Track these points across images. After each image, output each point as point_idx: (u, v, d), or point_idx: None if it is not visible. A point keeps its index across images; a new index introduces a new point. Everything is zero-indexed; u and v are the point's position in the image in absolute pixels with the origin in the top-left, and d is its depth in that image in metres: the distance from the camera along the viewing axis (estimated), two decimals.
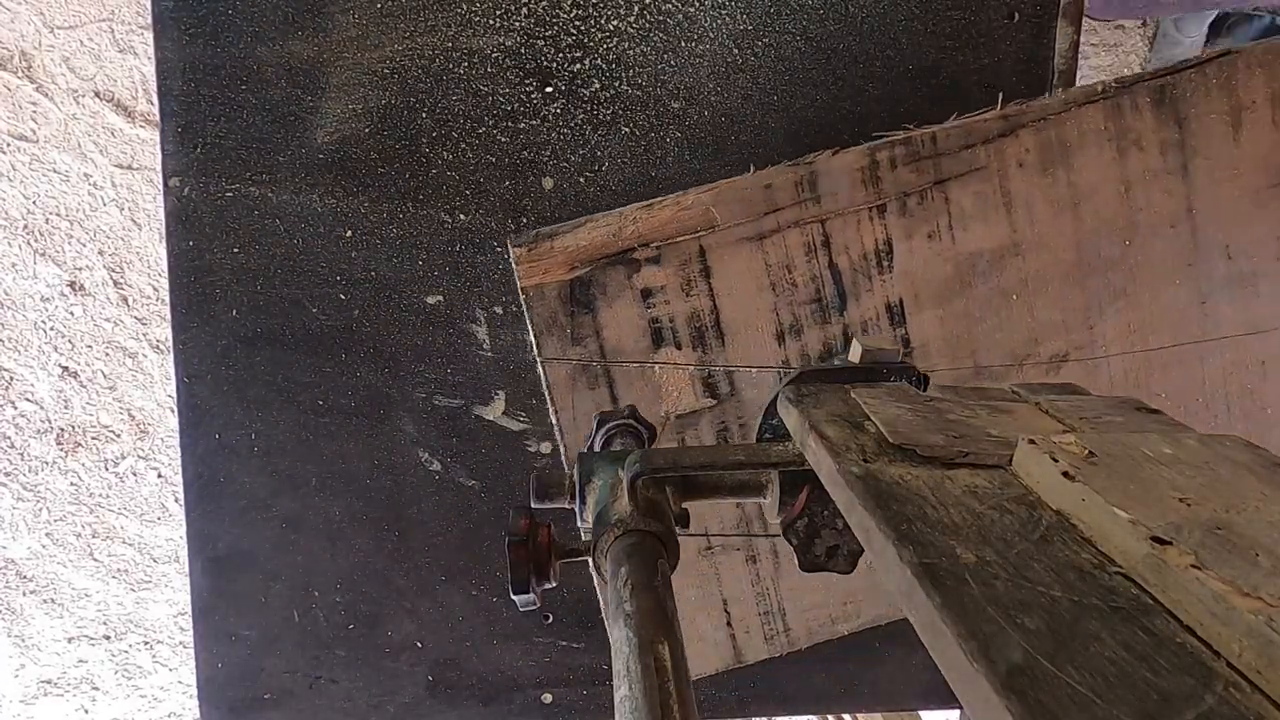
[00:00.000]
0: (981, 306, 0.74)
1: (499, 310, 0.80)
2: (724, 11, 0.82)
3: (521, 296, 0.71)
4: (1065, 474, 0.28)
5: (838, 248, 0.72)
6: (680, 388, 0.73)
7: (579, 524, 0.48)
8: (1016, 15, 0.85)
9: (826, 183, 0.71)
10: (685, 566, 0.75)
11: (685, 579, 0.76)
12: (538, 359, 0.72)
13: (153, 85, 0.80)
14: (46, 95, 1.43)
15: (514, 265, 0.71)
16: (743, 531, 0.76)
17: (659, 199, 0.71)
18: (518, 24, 0.81)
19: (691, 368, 0.73)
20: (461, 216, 0.80)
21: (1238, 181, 0.74)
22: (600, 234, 0.71)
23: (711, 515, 0.75)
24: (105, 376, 1.58)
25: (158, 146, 0.80)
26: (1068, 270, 0.74)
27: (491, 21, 0.81)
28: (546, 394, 0.72)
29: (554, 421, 0.73)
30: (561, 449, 0.74)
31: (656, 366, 0.73)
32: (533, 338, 0.72)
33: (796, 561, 0.47)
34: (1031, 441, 0.31)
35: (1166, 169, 0.73)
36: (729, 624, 0.79)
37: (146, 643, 1.84)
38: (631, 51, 0.82)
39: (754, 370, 0.73)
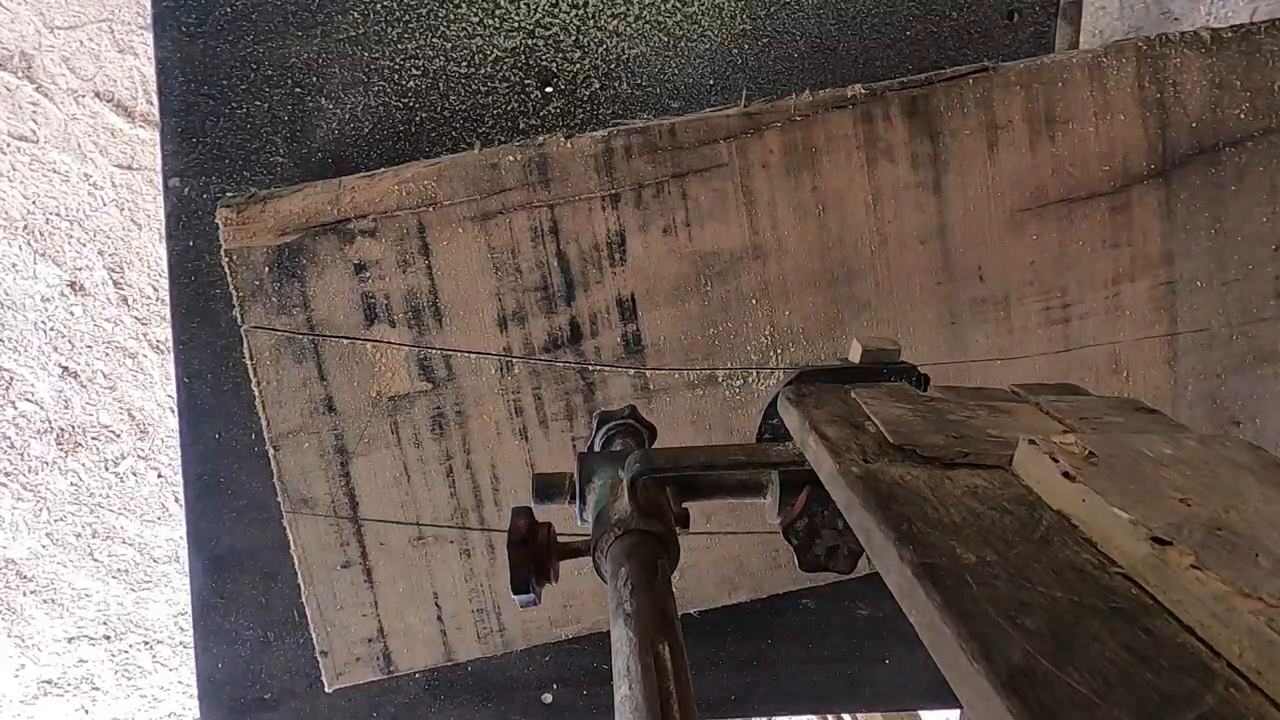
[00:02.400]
0: (718, 309, 0.72)
1: None
2: (724, 11, 0.82)
3: (224, 260, 0.67)
4: (1065, 474, 0.28)
5: (566, 235, 0.70)
6: (394, 368, 0.70)
7: (579, 524, 0.48)
8: (1016, 15, 0.85)
9: (557, 167, 0.69)
10: (393, 555, 0.73)
11: (393, 569, 0.73)
12: (240, 327, 0.68)
13: (153, 85, 0.80)
14: (46, 95, 1.43)
15: (219, 226, 0.67)
16: (457, 524, 0.73)
17: (380, 170, 0.69)
18: (518, 24, 0.81)
19: (406, 348, 0.70)
20: None
21: (992, 202, 0.72)
22: (315, 201, 0.68)
23: (424, 502, 0.72)
24: (105, 376, 1.58)
25: (158, 146, 0.80)
26: (811, 278, 0.72)
27: (491, 21, 0.81)
28: (249, 365, 0.69)
29: (256, 394, 0.69)
30: (264, 422, 0.70)
31: (369, 344, 0.70)
32: (236, 304, 0.68)
33: (796, 562, 0.47)
34: (1032, 442, 0.31)
35: (918, 182, 0.71)
36: (439, 619, 0.75)
37: (146, 643, 1.84)
38: (631, 52, 0.82)
39: (472, 355, 0.70)
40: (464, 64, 0.81)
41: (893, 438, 0.35)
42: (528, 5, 0.80)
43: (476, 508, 0.74)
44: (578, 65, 0.81)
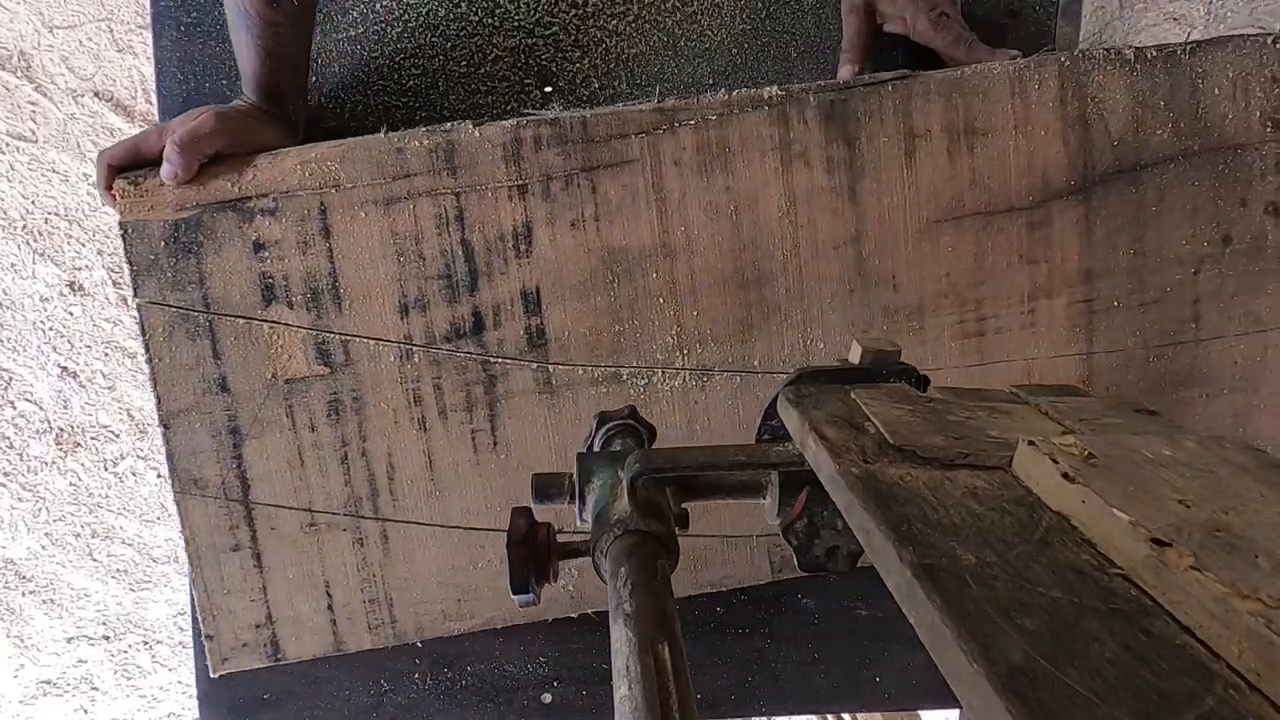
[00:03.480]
0: (625, 306, 0.70)
1: None
2: (724, 11, 0.82)
3: (120, 232, 0.66)
4: (1065, 475, 0.28)
5: (472, 224, 0.69)
6: (290, 351, 0.69)
7: (579, 524, 0.48)
8: (1016, 15, 0.85)
9: (464, 155, 0.68)
10: (284, 541, 0.72)
11: (284, 555, 0.72)
12: (134, 301, 0.68)
13: (152, 84, 0.80)
14: (45, 95, 1.43)
15: (115, 198, 0.67)
16: (351, 512, 0.72)
17: (284, 149, 0.68)
18: (518, 23, 0.81)
19: (303, 330, 0.68)
20: None
21: (908, 211, 0.71)
22: (216, 177, 0.67)
23: (318, 489, 0.71)
24: (105, 376, 1.58)
25: None
26: (721, 279, 0.71)
27: (491, 20, 0.81)
28: (142, 340, 0.68)
29: (149, 371, 0.68)
30: (155, 400, 0.69)
31: (265, 325, 0.69)
32: (130, 278, 0.67)
33: (796, 562, 0.47)
34: (1031, 443, 0.31)
35: (833, 188, 0.70)
36: (330, 608, 0.74)
37: (146, 643, 1.84)
38: (631, 51, 0.82)
39: (372, 341, 0.69)
40: (464, 63, 0.81)
41: (892, 439, 0.35)
42: (528, 5, 0.80)
43: (371, 496, 0.73)
44: (577, 65, 0.81)
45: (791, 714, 0.89)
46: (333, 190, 0.68)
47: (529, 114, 0.69)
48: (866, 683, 0.87)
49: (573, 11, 0.81)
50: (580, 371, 0.71)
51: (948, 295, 0.72)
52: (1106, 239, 0.72)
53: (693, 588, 0.77)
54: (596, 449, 0.57)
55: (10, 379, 1.66)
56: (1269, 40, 0.71)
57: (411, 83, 0.81)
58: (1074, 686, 0.20)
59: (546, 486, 0.49)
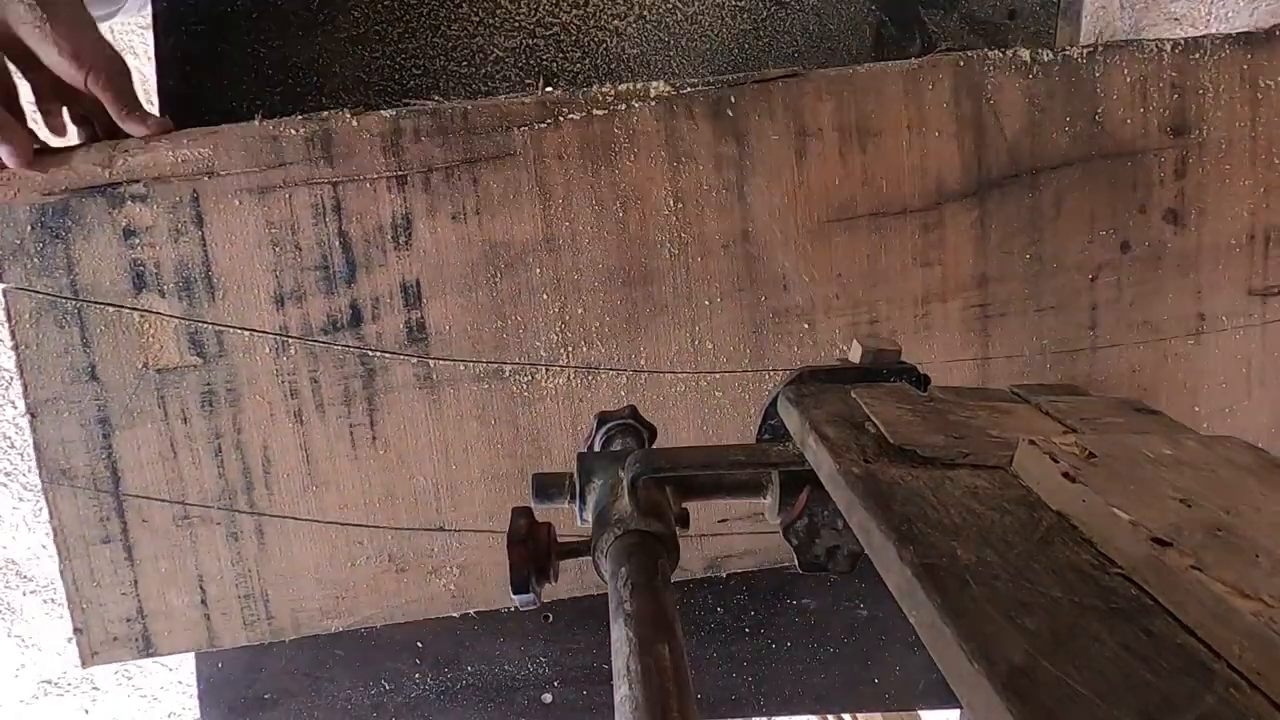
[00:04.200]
0: (508, 301, 0.69)
1: None
2: (724, 11, 0.82)
3: None
4: (1065, 475, 0.28)
5: (349, 215, 0.67)
6: (162, 340, 0.68)
7: (579, 524, 0.48)
8: (1016, 15, 0.85)
9: (342, 144, 0.67)
10: (156, 534, 0.71)
11: (156, 547, 0.71)
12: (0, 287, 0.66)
13: (152, 84, 0.80)
14: None
15: None
16: (225, 505, 0.70)
17: (159, 135, 0.67)
18: (518, 23, 0.81)
19: (176, 320, 0.67)
20: None
21: (799, 210, 0.70)
22: (87, 161, 0.66)
23: (191, 481, 0.70)
24: None
25: None
26: (607, 276, 0.70)
27: (492, 21, 0.81)
28: (8, 327, 0.67)
29: (15, 359, 0.67)
30: (22, 388, 0.68)
31: (136, 313, 0.67)
32: None
33: (796, 562, 0.47)
34: (1032, 442, 0.31)
35: (722, 185, 0.69)
36: (204, 603, 0.73)
37: None
38: (632, 51, 0.82)
39: (246, 332, 0.68)
40: (464, 63, 0.81)
41: (893, 438, 0.35)
42: (528, 5, 0.80)
43: (246, 490, 0.71)
44: (578, 65, 0.81)
45: (791, 714, 0.89)
46: (206, 177, 0.66)
47: (409, 104, 0.68)
48: (866, 683, 0.87)
49: (574, 11, 0.81)
50: (462, 367, 0.70)
51: (840, 297, 0.71)
52: (1002, 243, 0.71)
53: (578, 589, 0.76)
54: (596, 449, 0.57)
55: (11, 379, 1.66)
56: (1167, 46, 0.70)
57: (412, 83, 0.81)
58: (1074, 686, 0.20)
59: (547, 486, 0.49)
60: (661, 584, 0.38)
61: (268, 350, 0.69)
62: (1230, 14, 1.58)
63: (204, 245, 0.67)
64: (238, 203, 0.67)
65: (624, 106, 0.68)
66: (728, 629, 0.86)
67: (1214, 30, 1.61)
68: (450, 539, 0.73)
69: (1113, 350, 0.75)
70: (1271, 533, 0.24)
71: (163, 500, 0.70)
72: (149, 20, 0.79)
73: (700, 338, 0.71)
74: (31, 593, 1.79)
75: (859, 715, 1.28)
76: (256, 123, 0.67)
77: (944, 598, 0.23)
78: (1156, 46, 0.70)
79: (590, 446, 0.57)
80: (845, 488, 0.32)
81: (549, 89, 0.72)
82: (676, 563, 0.42)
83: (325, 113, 0.67)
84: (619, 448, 0.56)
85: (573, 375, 0.71)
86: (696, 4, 0.82)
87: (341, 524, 0.72)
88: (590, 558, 0.43)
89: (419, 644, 0.83)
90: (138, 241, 0.67)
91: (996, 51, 0.69)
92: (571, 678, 0.85)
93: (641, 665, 0.32)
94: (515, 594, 0.43)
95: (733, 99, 0.68)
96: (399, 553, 0.73)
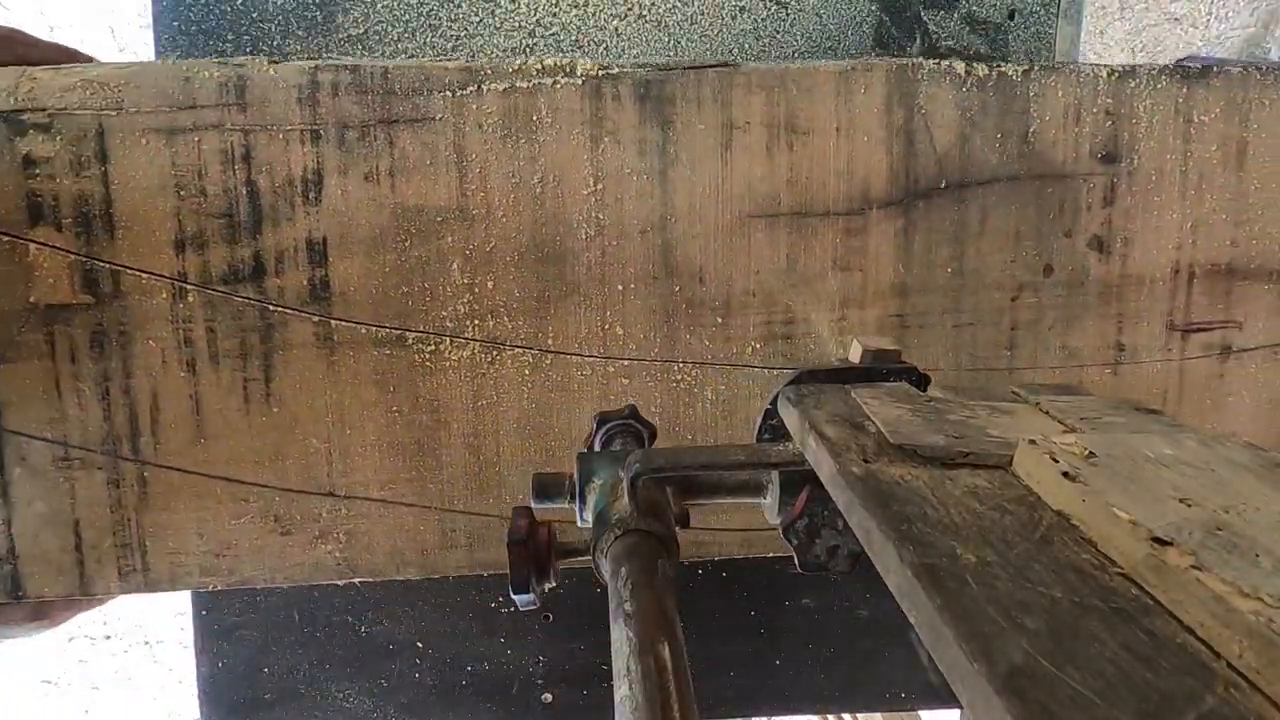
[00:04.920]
0: (417, 268, 0.68)
1: None
2: (724, 12, 0.82)
3: None
4: (1065, 474, 0.28)
5: (259, 165, 0.66)
6: (55, 275, 0.66)
7: (579, 524, 0.48)
8: (1016, 15, 0.85)
9: (256, 92, 0.65)
10: (35, 475, 0.69)
11: (33, 488, 0.69)
12: None
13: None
14: None
15: None
16: (108, 451, 0.69)
17: (70, 65, 0.66)
18: (518, 23, 0.81)
19: (71, 255, 0.65)
20: None
21: (721, 203, 0.69)
22: None
23: (74, 423, 0.68)
24: None
25: None
26: (520, 252, 0.68)
27: (491, 21, 0.81)
28: None
29: None
30: None
31: (31, 245, 0.65)
32: None
33: (796, 561, 0.47)
34: (1032, 442, 0.31)
35: (644, 170, 0.68)
36: (78, 548, 0.71)
37: (147, 643, 1.84)
38: (632, 52, 0.82)
39: (144, 275, 0.66)
40: None
41: (893, 438, 0.35)
42: (528, 5, 0.80)
43: (132, 437, 0.69)
44: None
45: (791, 714, 0.89)
46: (113, 113, 0.65)
47: (329, 58, 0.67)
48: (866, 683, 0.87)
49: (574, 11, 0.81)
50: (364, 330, 0.68)
51: (756, 294, 0.70)
52: (924, 255, 0.71)
53: (468, 568, 0.74)
54: (597, 448, 0.57)
55: None
56: (1104, 72, 0.70)
57: None
58: (1074, 686, 0.20)
59: (547, 486, 0.49)
60: (661, 584, 0.38)
61: (164, 295, 0.67)
62: (1230, 14, 1.58)
63: (106, 182, 0.65)
64: (144, 142, 0.65)
65: (550, 82, 0.67)
66: (728, 629, 0.86)
67: (1214, 30, 1.61)
68: (340, 505, 0.71)
69: (1030, 373, 0.74)
70: (1271, 532, 0.24)
71: (43, 440, 0.68)
72: (149, 20, 0.79)
73: (611, 322, 0.70)
74: None
75: (859, 715, 1.28)
76: (170, 61, 0.65)
77: (944, 598, 0.23)
78: (1093, 71, 0.69)
79: (590, 446, 0.57)
80: (845, 487, 0.32)
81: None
82: (677, 563, 0.42)
83: (242, 59, 0.66)
84: (619, 447, 0.56)
85: (478, 349, 0.70)
86: (696, 4, 0.82)
87: (228, 480, 0.70)
88: (590, 558, 0.43)
89: (419, 644, 0.83)
90: (37, 172, 0.65)
91: (931, 61, 0.69)
92: (571, 678, 0.85)
93: (641, 665, 0.32)
94: (515, 594, 0.43)
95: (662, 84, 0.67)
96: (285, 514, 0.71)
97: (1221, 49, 1.61)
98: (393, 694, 0.83)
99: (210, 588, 0.73)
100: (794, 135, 0.69)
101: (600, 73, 0.67)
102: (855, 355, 0.49)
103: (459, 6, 0.80)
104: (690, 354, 0.71)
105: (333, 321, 0.69)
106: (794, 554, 0.47)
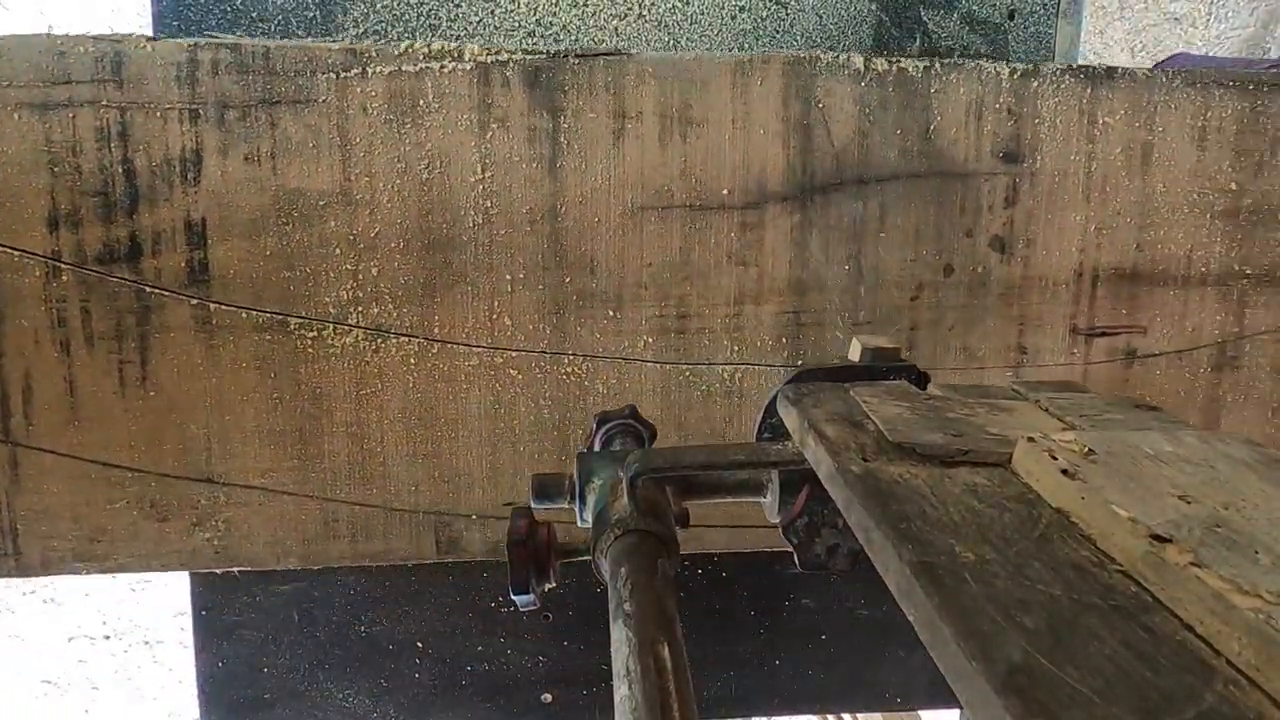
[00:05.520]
0: (299, 252, 0.67)
1: None
2: (724, 11, 0.82)
3: None
4: (1064, 472, 0.28)
5: (136, 143, 0.65)
6: None
7: (579, 524, 0.48)
8: (1016, 15, 0.85)
9: (133, 69, 0.64)
10: None
11: None
12: None
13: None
14: None
15: None
16: None
17: None
18: (518, 23, 0.81)
19: None
20: None
21: (612, 193, 0.68)
22: None
23: None
24: None
25: None
26: (406, 239, 0.67)
27: (491, 20, 0.81)
28: None
29: None
30: None
31: None
32: None
33: (796, 560, 0.47)
34: (1031, 439, 0.31)
35: (533, 158, 0.67)
36: None
37: (146, 643, 1.84)
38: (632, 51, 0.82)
39: (16, 252, 0.65)
40: None
41: (892, 436, 0.35)
42: (528, 5, 0.80)
43: (3, 418, 0.68)
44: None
45: (791, 714, 0.89)
46: None
47: (209, 36, 0.66)
48: (866, 683, 0.87)
49: (573, 11, 0.81)
50: (244, 315, 0.67)
51: (649, 287, 0.69)
52: (822, 251, 0.70)
53: (350, 559, 0.73)
54: (596, 448, 0.57)
55: None
56: (1005, 70, 0.69)
57: None
58: (1073, 684, 0.20)
59: (546, 487, 0.49)
60: (661, 584, 0.38)
61: (37, 274, 0.66)
62: (1230, 14, 1.58)
63: None
64: (17, 116, 0.64)
65: (437, 66, 0.66)
66: (728, 629, 0.86)
67: (1214, 30, 1.61)
68: (218, 492, 0.70)
69: (929, 374, 0.74)
70: (1271, 529, 0.24)
71: None
72: (150, 20, 0.79)
73: (499, 312, 0.69)
74: (30, 592, 1.79)
75: (859, 715, 1.28)
76: (45, 33, 0.64)
77: (942, 596, 0.23)
78: (995, 70, 0.68)
79: (590, 446, 0.57)
80: (844, 486, 0.32)
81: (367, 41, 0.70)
82: (677, 563, 0.42)
83: (119, 34, 0.64)
84: (618, 448, 0.56)
85: (361, 336, 0.68)
86: (696, 4, 0.82)
87: (102, 464, 0.69)
88: (590, 558, 0.43)
89: (419, 644, 0.83)
90: None
91: (829, 54, 0.68)
92: (571, 678, 0.85)
93: (641, 665, 0.32)
94: (515, 595, 0.43)
95: (552, 71, 0.66)
96: (162, 500, 0.70)
97: (1221, 49, 1.61)
98: (393, 694, 0.83)
99: (83, 574, 0.71)
100: (688, 126, 0.68)
101: (489, 58, 0.66)
102: (854, 353, 0.49)
103: (459, 6, 0.80)
104: (581, 346, 0.70)
105: (211, 305, 0.67)
106: (794, 553, 0.47)
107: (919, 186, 0.70)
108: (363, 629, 0.83)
